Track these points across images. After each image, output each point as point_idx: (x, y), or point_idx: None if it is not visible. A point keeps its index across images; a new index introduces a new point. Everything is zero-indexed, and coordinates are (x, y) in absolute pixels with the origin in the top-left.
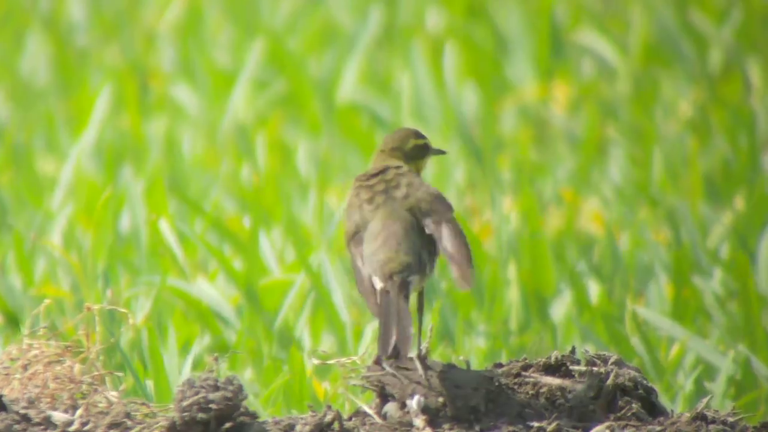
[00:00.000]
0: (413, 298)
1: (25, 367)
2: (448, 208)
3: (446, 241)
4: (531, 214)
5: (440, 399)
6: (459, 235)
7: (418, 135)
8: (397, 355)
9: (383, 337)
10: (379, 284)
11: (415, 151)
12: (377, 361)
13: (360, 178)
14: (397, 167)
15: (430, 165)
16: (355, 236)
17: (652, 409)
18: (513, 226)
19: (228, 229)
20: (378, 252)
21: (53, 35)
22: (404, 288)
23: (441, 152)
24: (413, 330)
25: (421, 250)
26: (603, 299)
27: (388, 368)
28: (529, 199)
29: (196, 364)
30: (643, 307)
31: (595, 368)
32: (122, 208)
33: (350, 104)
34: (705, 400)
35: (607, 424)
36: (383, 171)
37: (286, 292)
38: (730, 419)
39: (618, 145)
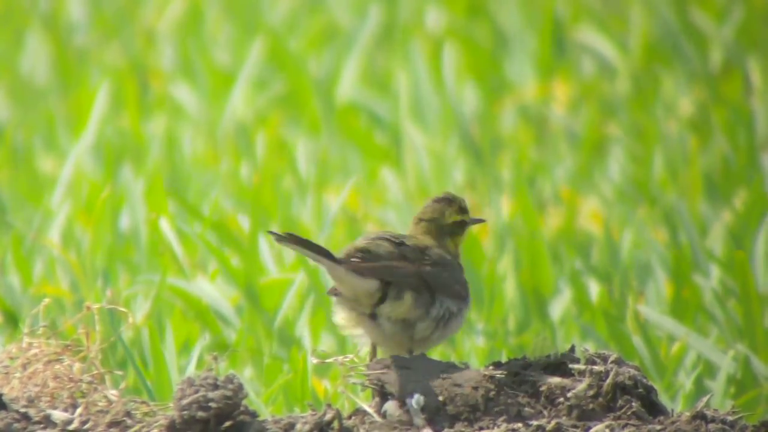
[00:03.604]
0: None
1: (24, 366)
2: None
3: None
4: (530, 214)
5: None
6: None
7: (455, 206)
8: (288, 237)
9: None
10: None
11: (454, 227)
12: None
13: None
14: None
15: (429, 164)
16: None
17: (652, 408)
18: (512, 225)
19: (227, 228)
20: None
21: (53, 34)
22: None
23: (479, 221)
24: (309, 254)
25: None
26: (603, 298)
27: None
28: (528, 198)
29: (196, 363)
30: (643, 305)
31: (594, 367)
32: (122, 207)
33: (350, 103)
34: (705, 399)
35: (606, 422)
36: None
37: (285, 292)
38: (730, 418)
39: (618, 143)
